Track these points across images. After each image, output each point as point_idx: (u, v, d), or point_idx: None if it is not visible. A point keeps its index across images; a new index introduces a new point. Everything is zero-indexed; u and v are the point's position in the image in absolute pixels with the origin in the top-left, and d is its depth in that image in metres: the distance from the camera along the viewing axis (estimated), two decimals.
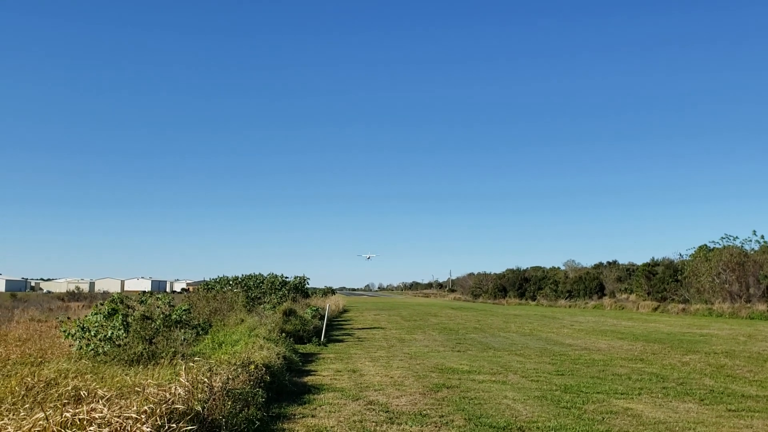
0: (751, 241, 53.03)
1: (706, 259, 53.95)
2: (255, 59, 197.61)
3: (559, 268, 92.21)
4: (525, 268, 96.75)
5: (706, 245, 57.07)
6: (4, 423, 6.26)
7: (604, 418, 10.30)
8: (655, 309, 54.70)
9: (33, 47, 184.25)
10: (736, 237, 54.12)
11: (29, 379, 10.61)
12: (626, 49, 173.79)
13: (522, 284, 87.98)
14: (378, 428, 9.44)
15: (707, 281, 52.66)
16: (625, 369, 16.53)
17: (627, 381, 14.43)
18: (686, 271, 56.33)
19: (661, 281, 59.49)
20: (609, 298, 67.81)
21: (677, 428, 9.66)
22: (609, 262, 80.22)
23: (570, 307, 67.88)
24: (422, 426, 9.62)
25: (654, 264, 66.34)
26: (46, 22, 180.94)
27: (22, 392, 9.51)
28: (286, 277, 46.84)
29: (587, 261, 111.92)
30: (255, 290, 43.96)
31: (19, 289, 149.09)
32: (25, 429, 6.05)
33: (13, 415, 6.69)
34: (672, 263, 62.89)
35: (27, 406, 7.80)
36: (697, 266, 54.56)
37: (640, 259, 76.71)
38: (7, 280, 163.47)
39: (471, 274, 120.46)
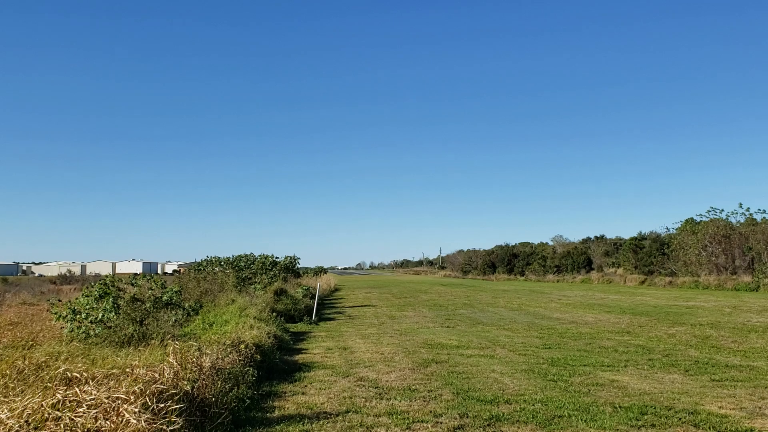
0: (737, 213, 53.68)
1: (693, 233, 54.50)
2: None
3: (547, 243, 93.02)
4: (513, 244, 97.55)
5: (692, 218, 57.66)
6: None
7: (590, 390, 10.47)
8: (643, 282, 55.31)
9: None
10: (722, 210, 54.81)
11: (20, 363, 10.63)
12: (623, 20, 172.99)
13: (511, 260, 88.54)
14: (367, 404, 9.55)
15: (694, 254, 53.23)
16: (611, 342, 16.77)
17: (613, 353, 14.65)
18: (673, 245, 56.88)
19: (649, 255, 60.03)
20: (597, 272, 68.46)
21: (662, 398, 9.83)
22: (596, 237, 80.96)
23: (558, 281, 68.44)
24: (411, 401, 9.75)
25: (641, 238, 66.92)
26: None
27: (14, 375, 9.56)
28: (277, 257, 46.93)
29: (575, 236, 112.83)
30: (246, 271, 43.94)
31: (11, 274, 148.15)
32: (17, 411, 6.11)
33: (4, 398, 6.75)
34: (659, 237, 63.45)
35: (19, 389, 7.86)
36: (684, 239, 55.12)
37: (628, 233, 77.67)
38: None
39: (461, 251, 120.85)
